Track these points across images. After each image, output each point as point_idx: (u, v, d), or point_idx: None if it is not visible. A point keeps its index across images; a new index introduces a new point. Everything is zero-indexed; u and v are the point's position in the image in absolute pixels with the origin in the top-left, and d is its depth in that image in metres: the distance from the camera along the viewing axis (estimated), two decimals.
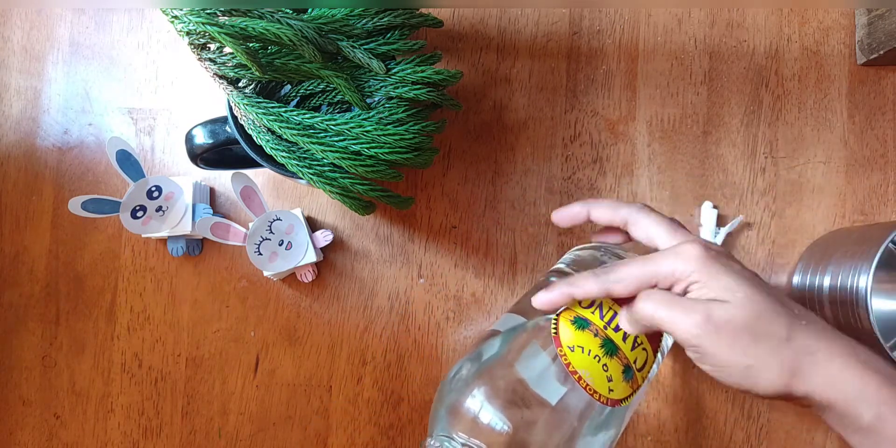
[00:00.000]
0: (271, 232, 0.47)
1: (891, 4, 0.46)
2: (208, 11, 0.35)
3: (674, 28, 0.51)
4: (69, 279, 0.52)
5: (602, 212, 0.35)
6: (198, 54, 0.39)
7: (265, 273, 0.48)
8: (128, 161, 0.47)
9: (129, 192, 0.47)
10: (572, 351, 0.32)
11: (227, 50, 0.38)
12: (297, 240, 0.48)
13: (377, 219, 0.51)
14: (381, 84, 0.40)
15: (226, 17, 0.35)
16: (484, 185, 0.50)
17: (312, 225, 0.51)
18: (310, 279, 0.50)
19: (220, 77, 0.39)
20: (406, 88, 0.40)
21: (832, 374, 0.28)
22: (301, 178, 0.41)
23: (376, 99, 0.41)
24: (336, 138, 0.39)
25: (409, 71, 0.40)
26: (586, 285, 0.32)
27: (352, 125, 0.39)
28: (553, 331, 0.33)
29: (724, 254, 0.31)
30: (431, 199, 0.50)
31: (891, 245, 0.40)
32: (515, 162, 0.50)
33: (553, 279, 0.43)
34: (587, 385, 0.32)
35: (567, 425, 0.33)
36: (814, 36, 0.50)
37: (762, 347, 0.29)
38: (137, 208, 0.48)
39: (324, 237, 0.49)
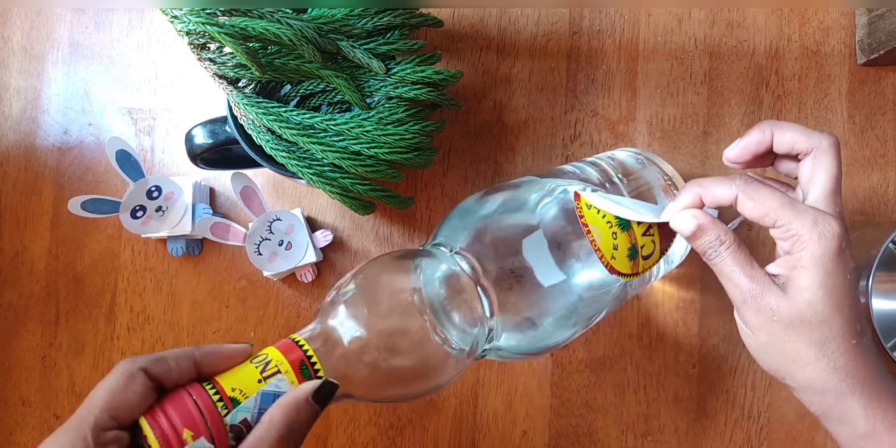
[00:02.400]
0: (271, 232, 0.47)
1: (891, 4, 0.46)
2: (208, 11, 0.35)
3: (674, 28, 0.51)
4: (69, 279, 0.52)
5: (792, 134, 0.31)
6: (198, 54, 0.39)
7: (265, 273, 0.48)
8: (127, 161, 0.47)
9: (129, 192, 0.47)
10: (588, 208, 0.33)
11: (227, 50, 0.38)
12: (297, 240, 0.48)
13: (377, 219, 0.51)
14: (381, 84, 0.40)
15: (226, 17, 0.35)
16: (484, 186, 0.50)
17: (312, 225, 0.51)
18: (310, 279, 0.50)
19: (220, 77, 0.39)
20: (406, 88, 0.40)
21: (845, 406, 0.30)
22: (301, 178, 0.41)
23: (376, 99, 0.41)
24: (336, 138, 0.39)
25: (409, 71, 0.40)
26: (719, 188, 0.31)
27: (352, 125, 0.39)
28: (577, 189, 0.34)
29: (848, 257, 0.30)
30: (431, 199, 0.50)
31: (891, 245, 0.40)
32: (515, 162, 0.50)
33: (588, 167, 0.42)
34: (594, 241, 0.33)
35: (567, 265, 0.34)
36: (814, 36, 0.50)
37: (788, 348, 0.30)
38: (137, 208, 0.48)
39: (324, 237, 0.49)
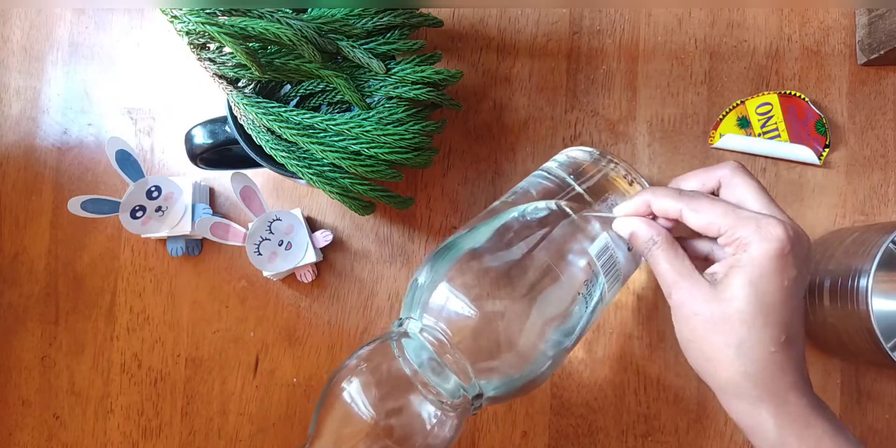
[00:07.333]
0: (271, 232, 0.47)
1: (891, 4, 0.46)
2: (208, 11, 0.35)
3: (674, 28, 0.50)
4: (69, 279, 0.51)
5: (694, 182, 0.33)
6: (197, 54, 0.38)
7: (265, 273, 0.48)
8: (127, 161, 0.47)
9: (129, 193, 0.47)
10: None
11: (227, 50, 0.38)
12: (297, 240, 0.48)
13: (377, 219, 0.51)
14: (381, 84, 0.40)
15: (225, 17, 0.35)
16: (484, 185, 0.50)
17: (312, 225, 0.51)
18: (309, 279, 0.50)
19: (220, 77, 0.39)
20: (406, 88, 0.40)
21: (758, 415, 0.30)
22: (301, 178, 0.41)
23: (376, 99, 0.41)
24: (336, 138, 0.39)
25: (409, 71, 0.40)
26: (666, 200, 0.32)
27: (352, 125, 0.39)
28: None
29: (791, 264, 0.29)
30: (431, 199, 0.50)
31: (891, 245, 0.40)
32: (515, 162, 0.50)
33: (542, 181, 0.42)
34: None
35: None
36: (814, 36, 0.50)
37: (706, 346, 0.30)
38: (137, 208, 0.48)
39: (323, 237, 0.49)
